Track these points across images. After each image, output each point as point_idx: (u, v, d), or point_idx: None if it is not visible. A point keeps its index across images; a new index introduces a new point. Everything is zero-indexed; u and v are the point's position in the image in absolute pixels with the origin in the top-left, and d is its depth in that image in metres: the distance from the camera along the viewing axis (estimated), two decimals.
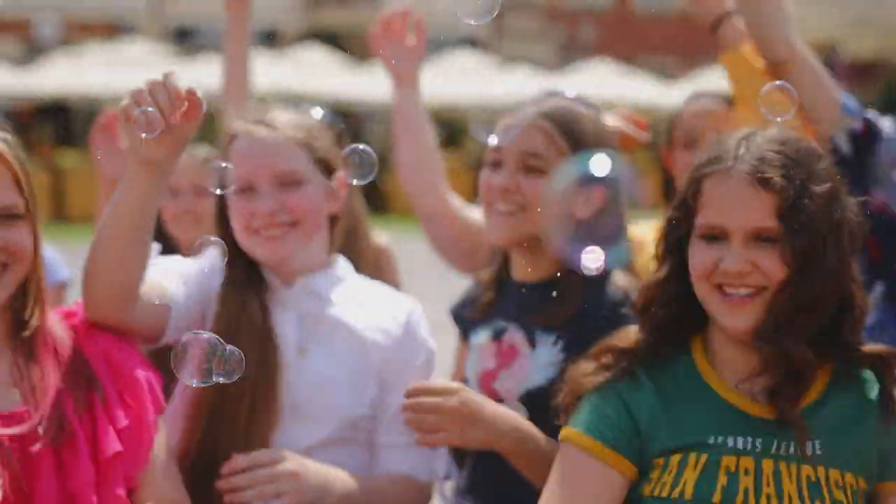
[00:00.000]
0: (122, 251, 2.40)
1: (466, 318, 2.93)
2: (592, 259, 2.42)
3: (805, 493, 2.13)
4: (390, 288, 2.98)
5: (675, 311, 2.25)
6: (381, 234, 3.98)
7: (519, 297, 2.76)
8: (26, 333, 2.30)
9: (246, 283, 2.70)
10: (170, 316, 2.58)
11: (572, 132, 2.74)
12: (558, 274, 2.74)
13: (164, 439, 2.44)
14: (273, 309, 2.71)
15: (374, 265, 3.26)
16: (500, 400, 2.70)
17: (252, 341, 2.61)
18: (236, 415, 2.61)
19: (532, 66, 24.87)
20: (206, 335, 2.26)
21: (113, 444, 2.27)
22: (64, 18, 31.86)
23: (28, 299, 2.32)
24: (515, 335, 2.77)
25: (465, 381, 2.83)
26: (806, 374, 2.16)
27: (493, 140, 2.79)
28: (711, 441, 2.17)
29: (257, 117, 2.75)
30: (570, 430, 2.24)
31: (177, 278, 2.64)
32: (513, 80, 21.58)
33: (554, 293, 2.72)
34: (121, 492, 2.28)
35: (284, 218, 2.67)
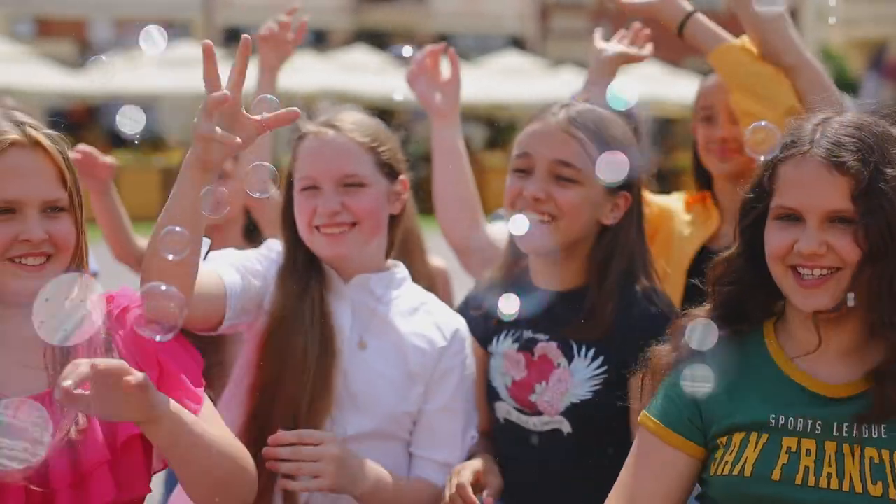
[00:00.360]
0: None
1: (483, 322, 2.89)
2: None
3: (867, 474, 2.14)
4: (443, 309, 2.96)
5: (744, 290, 2.29)
6: (438, 258, 4.06)
7: (547, 307, 2.74)
8: None
9: (305, 270, 2.79)
10: (227, 305, 2.65)
11: (603, 139, 2.73)
12: (587, 283, 2.77)
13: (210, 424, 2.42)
14: (329, 298, 2.79)
15: (428, 286, 3.24)
16: (538, 413, 2.75)
17: (312, 325, 2.72)
18: (297, 398, 2.70)
19: (578, 67, 24.85)
20: None
21: (126, 429, 2.29)
22: (117, 19, 32.21)
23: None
24: (549, 347, 2.77)
25: (489, 388, 2.85)
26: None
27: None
28: (773, 421, 2.20)
29: (327, 119, 2.84)
30: (643, 415, 2.33)
31: (232, 268, 2.72)
32: (559, 81, 21.58)
33: (586, 304, 2.72)
34: (142, 474, 2.32)
35: (345, 217, 2.76)
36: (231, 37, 33.80)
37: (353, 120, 2.85)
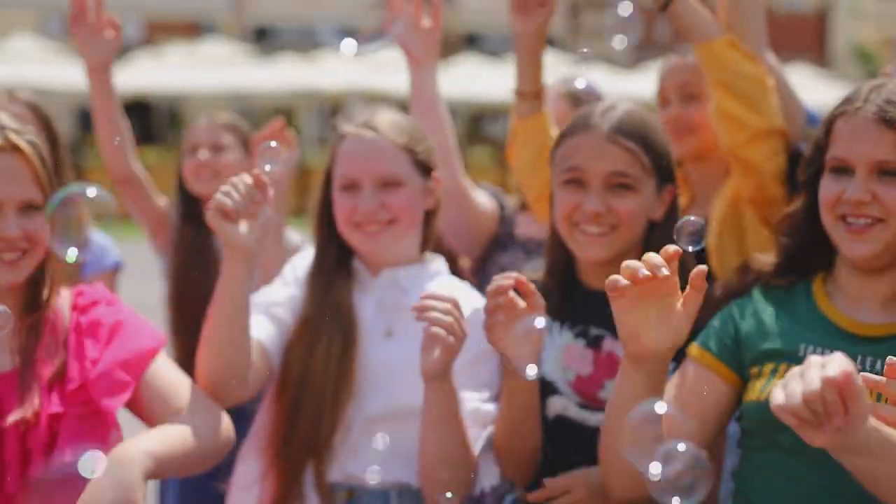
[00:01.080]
0: (233, 335, 2.68)
1: None
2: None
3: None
4: (473, 292, 3.02)
5: (804, 241, 2.45)
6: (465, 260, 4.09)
7: (607, 303, 2.72)
8: (36, 309, 2.56)
9: (335, 268, 2.93)
10: (271, 360, 2.87)
11: (648, 143, 2.75)
12: None
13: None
14: (355, 293, 2.92)
15: None
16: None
17: (335, 319, 2.86)
18: (323, 386, 2.83)
19: (607, 64, 24.78)
20: None
21: (54, 406, 2.46)
22: (145, 18, 32.36)
23: (46, 280, 2.59)
24: (616, 344, 2.74)
25: (544, 379, 2.82)
26: None
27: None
28: (803, 351, 2.34)
29: (365, 121, 2.94)
30: (691, 344, 2.47)
31: (263, 318, 2.89)
32: (587, 77, 21.52)
33: None
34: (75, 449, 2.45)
35: (384, 216, 2.90)
36: (259, 36, 33.96)
37: (390, 121, 2.96)
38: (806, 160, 2.45)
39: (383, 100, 22.18)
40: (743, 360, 2.44)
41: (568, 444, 2.77)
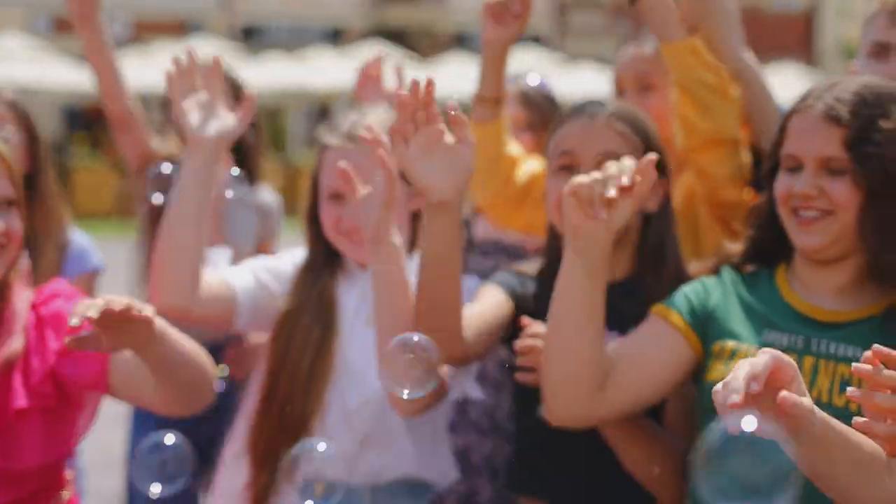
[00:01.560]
0: (187, 238, 2.78)
1: (523, 298, 2.84)
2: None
3: (835, 389, 2.32)
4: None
5: (767, 233, 2.54)
6: None
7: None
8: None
9: (323, 264, 2.99)
10: (237, 305, 2.89)
11: (641, 130, 2.79)
12: (633, 273, 2.79)
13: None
14: (343, 286, 2.99)
15: None
16: None
17: (315, 310, 2.94)
18: (299, 371, 2.91)
19: (597, 63, 24.82)
20: None
21: (20, 401, 2.53)
22: (133, 17, 32.32)
23: (9, 278, 2.63)
24: (611, 339, 2.71)
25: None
26: None
27: None
28: (763, 335, 2.43)
29: (348, 131, 2.95)
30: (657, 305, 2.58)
31: (248, 272, 2.97)
32: (577, 78, 21.56)
33: (648, 293, 2.70)
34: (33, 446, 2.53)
35: None
36: (248, 34, 33.92)
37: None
38: (766, 156, 2.54)
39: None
40: (708, 333, 2.50)
41: (568, 442, 2.70)
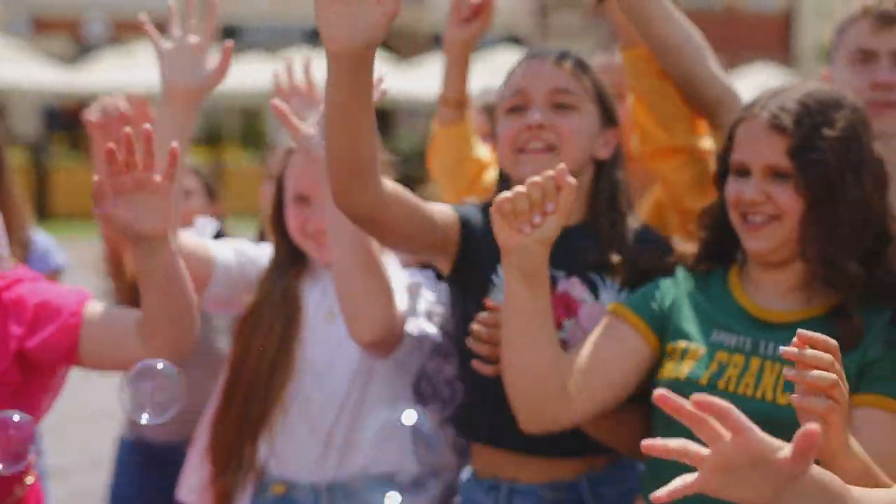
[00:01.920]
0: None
1: (484, 238, 2.73)
2: None
3: (779, 387, 2.38)
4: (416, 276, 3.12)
5: (718, 235, 2.61)
6: None
7: (559, 243, 2.59)
8: None
9: (289, 262, 3.05)
10: (214, 270, 3.01)
11: (591, 73, 2.85)
12: (587, 219, 2.81)
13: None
14: (307, 284, 3.04)
15: None
16: (568, 348, 2.72)
17: (278, 306, 3.00)
18: (260, 366, 2.96)
19: None
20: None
21: None
22: (112, 17, 32.18)
23: None
24: (571, 283, 2.76)
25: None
26: (851, 284, 2.42)
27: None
28: (713, 336, 2.49)
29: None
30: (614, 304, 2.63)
31: (231, 249, 3.07)
32: None
33: (602, 239, 2.75)
34: None
35: None
36: (228, 35, 33.77)
37: None
38: (719, 160, 2.60)
39: None
40: (665, 332, 2.57)
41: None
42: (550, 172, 2.33)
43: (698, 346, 2.50)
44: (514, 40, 31.11)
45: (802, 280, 2.50)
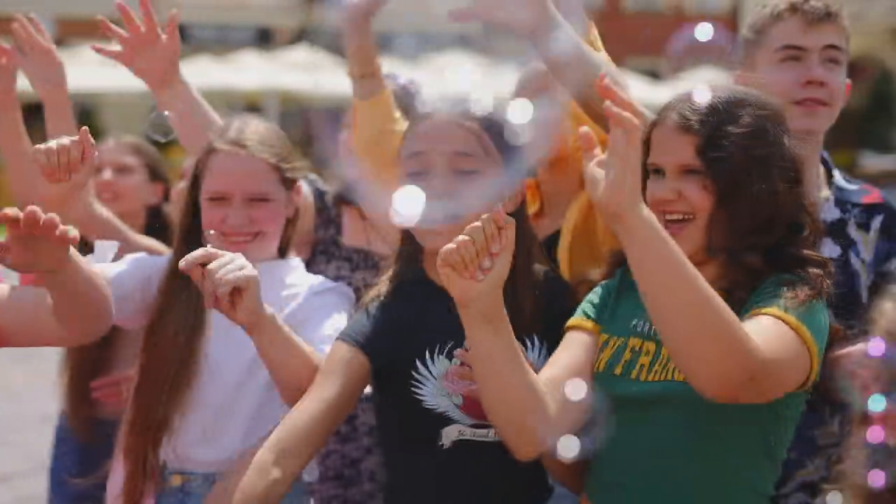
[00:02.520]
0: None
1: (389, 348, 2.73)
2: None
3: None
4: (326, 280, 3.20)
5: None
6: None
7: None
8: None
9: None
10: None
11: (492, 127, 2.74)
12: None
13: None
14: None
15: None
16: None
17: (184, 313, 3.00)
18: (165, 372, 2.98)
19: (523, 64, 24.96)
20: None
21: None
22: (56, 17, 31.89)
23: None
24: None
25: (427, 417, 2.72)
26: (754, 276, 2.50)
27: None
28: (633, 325, 2.57)
29: (236, 137, 3.06)
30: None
31: (127, 265, 3.10)
32: (503, 78, 21.63)
33: (509, 297, 2.54)
34: None
35: (250, 228, 3.06)
36: None
37: (261, 137, 3.09)
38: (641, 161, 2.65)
39: (300, 100, 22.13)
40: (601, 324, 2.64)
41: (470, 467, 2.71)
42: (488, 216, 2.32)
43: (618, 338, 2.57)
44: (460, 40, 31.17)
45: (717, 274, 2.51)
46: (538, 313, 2.74)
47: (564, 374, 2.54)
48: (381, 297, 2.83)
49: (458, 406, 2.72)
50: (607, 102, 2.21)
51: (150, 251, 3.66)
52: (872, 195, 3.21)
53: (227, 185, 3.04)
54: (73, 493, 3.98)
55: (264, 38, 32.43)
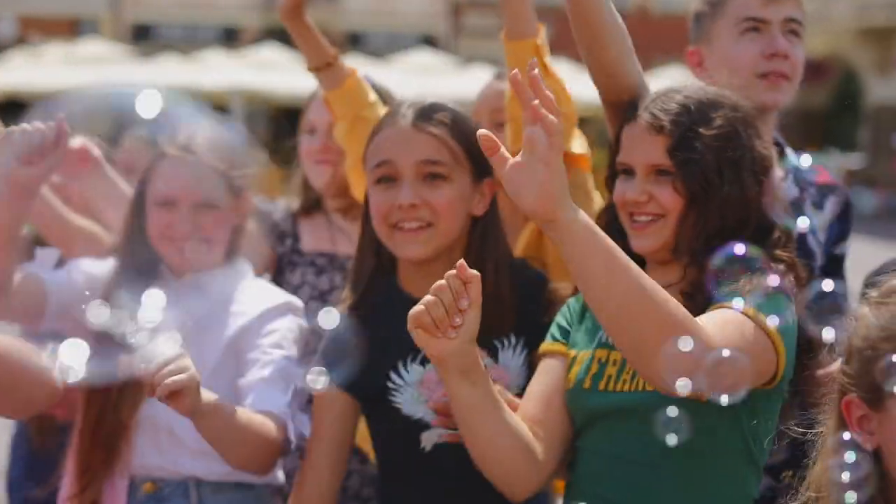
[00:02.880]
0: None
1: (368, 364, 2.65)
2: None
3: None
4: (273, 287, 3.19)
5: (612, 236, 2.51)
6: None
7: None
8: None
9: (138, 272, 2.97)
10: (47, 301, 2.95)
11: (457, 130, 2.74)
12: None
13: None
14: None
15: None
16: None
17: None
18: (108, 389, 2.89)
19: (491, 65, 24.97)
20: None
21: None
22: (20, 16, 31.66)
23: None
24: None
25: (406, 423, 2.75)
26: None
27: None
28: (597, 338, 2.54)
29: (187, 143, 3.01)
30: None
31: (68, 273, 3.04)
32: (470, 78, 21.65)
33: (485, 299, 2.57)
34: None
35: (198, 234, 2.99)
36: (140, 35, 33.41)
37: (210, 144, 3.03)
38: (609, 161, 2.61)
39: (265, 100, 22.04)
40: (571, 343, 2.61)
41: (453, 467, 2.70)
42: (452, 272, 2.29)
43: (585, 351, 2.54)
44: (429, 41, 31.20)
45: (680, 276, 2.50)
46: (515, 309, 2.74)
47: (543, 407, 2.53)
48: (349, 313, 2.81)
49: (434, 408, 2.72)
50: (530, 95, 2.11)
51: (91, 236, 3.63)
52: (823, 175, 3.21)
53: (174, 190, 2.99)
54: (27, 498, 3.96)
55: (230, 38, 32.30)
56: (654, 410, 2.29)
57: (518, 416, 2.49)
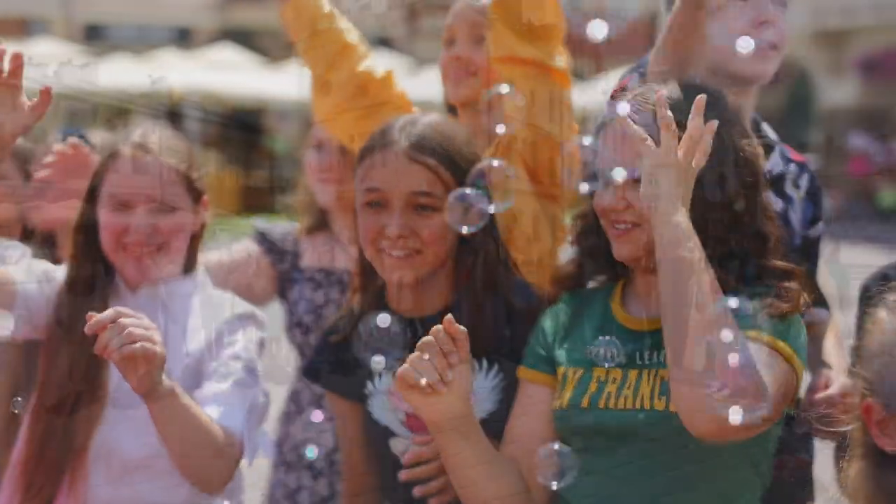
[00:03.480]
0: None
1: (348, 369, 2.75)
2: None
3: (656, 391, 2.37)
4: (234, 298, 3.03)
5: (592, 244, 2.56)
6: None
7: (419, 334, 2.45)
8: None
9: (90, 285, 2.82)
10: (15, 297, 2.74)
11: (451, 159, 2.70)
12: (455, 301, 2.69)
13: None
14: (111, 305, 2.69)
15: None
16: None
17: (81, 341, 2.61)
18: (63, 404, 2.73)
19: None
20: None
21: None
22: None
23: None
24: None
25: (374, 429, 2.77)
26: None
27: None
28: (593, 354, 2.46)
29: (141, 142, 2.85)
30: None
31: (31, 275, 2.82)
32: (424, 80, 21.62)
33: (466, 320, 2.49)
34: None
35: (154, 240, 2.82)
36: (91, 35, 33.10)
37: (167, 143, 2.88)
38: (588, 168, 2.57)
39: (220, 100, 21.90)
40: (554, 365, 2.53)
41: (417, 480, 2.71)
42: (439, 327, 2.27)
43: (576, 369, 2.48)
44: (384, 43, 31.12)
45: None
46: (496, 333, 2.68)
47: (529, 452, 2.45)
48: (342, 333, 2.80)
49: (402, 421, 2.74)
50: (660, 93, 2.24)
51: None
52: (794, 153, 3.19)
53: (129, 192, 2.82)
54: None
55: (183, 38, 32.08)
56: (660, 427, 2.29)
57: (506, 458, 2.46)
